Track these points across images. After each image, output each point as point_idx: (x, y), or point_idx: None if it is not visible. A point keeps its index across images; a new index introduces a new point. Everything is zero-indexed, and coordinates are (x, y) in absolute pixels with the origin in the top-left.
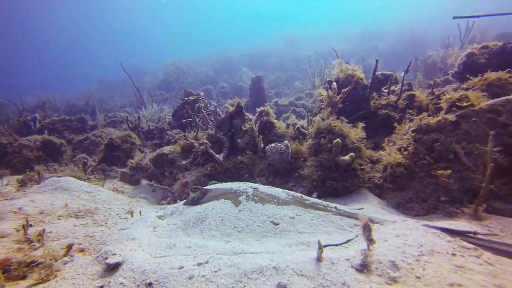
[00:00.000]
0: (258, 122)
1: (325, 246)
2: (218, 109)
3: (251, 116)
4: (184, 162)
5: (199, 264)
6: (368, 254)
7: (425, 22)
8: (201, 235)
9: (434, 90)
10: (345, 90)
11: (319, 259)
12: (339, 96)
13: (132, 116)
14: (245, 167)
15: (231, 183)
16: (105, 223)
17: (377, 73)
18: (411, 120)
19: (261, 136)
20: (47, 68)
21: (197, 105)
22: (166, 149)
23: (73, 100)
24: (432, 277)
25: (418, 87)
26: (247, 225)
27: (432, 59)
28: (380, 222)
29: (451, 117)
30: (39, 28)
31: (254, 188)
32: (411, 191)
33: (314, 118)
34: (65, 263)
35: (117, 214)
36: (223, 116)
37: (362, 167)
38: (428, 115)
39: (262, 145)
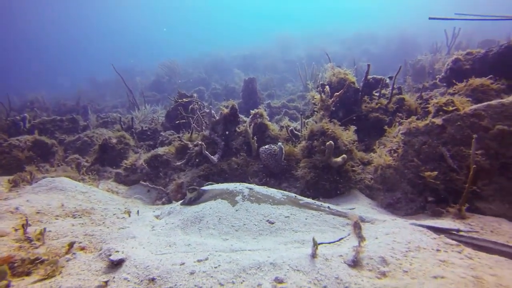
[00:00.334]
0: (252, 124)
1: (319, 244)
2: (213, 111)
3: (245, 118)
4: (178, 163)
5: (199, 261)
6: (360, 250)
7: (415, 26)
8: (199, 233)
9: (423, 94)
10: (337, 93)
11: (313, 255)
12: (332, 99)
13: (125, 117)
14: (240, 168)
15: (227, 183)
16: (103, 222)
17: (369, 77)
18: (400, 123)
19: (255, 138)
20: (35, 67)
21: (190, 106)
22: (161, 150)
23: (62, 100)
24: (418, 270)
25: (407, 90)
26: (244, 224)
27: (421, 64)
28: (371, 221)
29: (438, 120)
30: (28, 28)
31: (250, 189)
32: (400, 192)
33: (307, 120)
34: (67, 260)
35: (114, 214)
36: (217, 118)
37: (354, 168)
38: (417, 119)
39: (256, 147)
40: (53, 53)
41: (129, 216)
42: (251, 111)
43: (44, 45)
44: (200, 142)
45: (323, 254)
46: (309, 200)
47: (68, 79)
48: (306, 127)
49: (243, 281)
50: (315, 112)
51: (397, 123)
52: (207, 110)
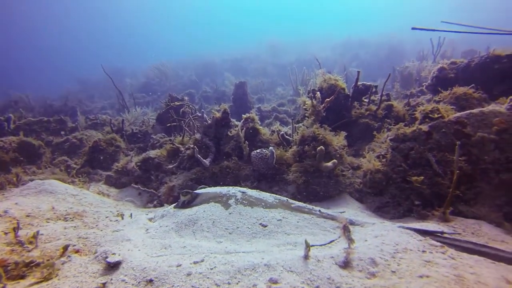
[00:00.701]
0: (244, 128)
1: (311, 246)
2: (205, 115)
3: (236, 122)
4: (170, 166)
5: (195, 262)
6: (350, 252)
7: (404, 33)
8: (193, 236)
9: (410, 100)
10: (328, 99)
11: (306, 257)
12: (323, 105)
13: (115, 119)
14: (231, 172)
15: (220, 187)
16: (96, 225)
17: (358, 83)
18: (389, 129)
19: (246, 142)
20: (20, 65)
21: (182, 109)
22: (152, 153)
23: (49, 100)
24: (405, 270)
25: (395, 97)
26: (237, 227)
27: (408, 71)
28: (360, 224)
29: (425, 127)
30: (13, 26)
31: (243, 192)
32: (388, 196)
33: (298, 125)
34: (63, 263)
35: (106, 217)
36: (209, 121)
37: (344, 173)
38: (405, 125)
39: (247, 151)
40: (39, 52)
41: (122, 219)
42: (243, 115)
43: (30, 43)
44: (192, 146)
45: (315, 256)
46: (301, 203)
47: (55, 78)
48: (297, 132)
49: (239, 281)
50: (306, 117)
51: (385, 129)
52: (199, 114)
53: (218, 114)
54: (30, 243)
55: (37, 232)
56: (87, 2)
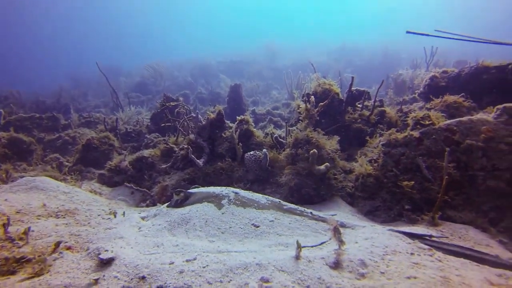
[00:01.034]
0: (238, 130)
1: (302, 247)
2: (199, 116)
3: (230, 124)
4: (164, 166)
5: (188, 261)
6: (340, 253)
7: (398, 41)
8: (186, 235)
9: (403, 107)
10: (322, 103)
11: (297, 257)
12: (317, 109)
13: (109, 117)
14: (224, 173)
15: (213, 187)
16: (88, 223)
17: (352, 88)
18: (381, 135)
19: (240, 144)
20: (12, 61)
21: (176, 110)
22: (146, 153)
23: (41, 97)
24: (394, 272)
25: (389, 103)
26: (230, 227)
27: (402, 78)
28: (351, 227)
29: (416, 133)
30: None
31: (236, 193)
32: (380, 200)
33: (292, 128)
34: (54, 260)
35: (98, 215)
36: (204, 122)
37: (336, 176)
38: (397, 131)
39: (241, 153)
40: (31, 48)
41: (115, 217)
42: (237, 117)
43: (22, 39)
44: (186, 146)
45: (306, 256)
46: (293, 205)
47: (47, 75)
48: (291, 135)
49: (231, 280)
50: (300, 121)
51: (378, 134)
52: (194, 115)
53: (212, 115)
54: (21, 239)
55: (28, 228)
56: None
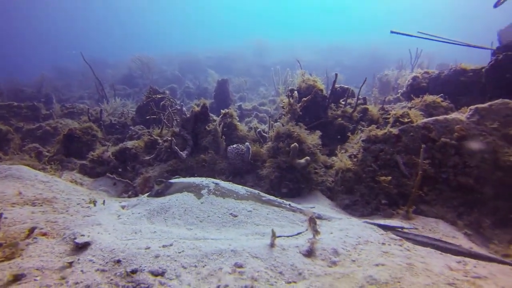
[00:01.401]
0: (222, 124)
1: (278, 236)
2: (184, 108)
3: (215, 117)
4: (147, 158)
5: (164, 246)
6: (314, 241)
7: (386, 42)
8: (165, 223)
9: (386, 106)
10: (305, 99)
11: (272, 245)
12: (299, 104)
13: (93, 109)
14: (207, 165)
15: (194, 178)
16: (66, 211)
17: (337, 85)
18: (362, 131)
19: (223, 137)
20: None
21: (162, 103)
22: (130, 144)
23: (21, 86)
24: (364, 260)
25: (373, 102)
26: (208, 216)
27: (387, 78)
28: (328, 219)
29: (395, 130)
30: None
31: (216, 183)
32: (358, 194)
33: (276, 123)
34: (27, 245)
35: (78, 204)
36: (188, 115)
37: (317, 171)
38: (377, 128)
39: (224, 146)
40: (10, 34)
41: (95, 205)
42: (221, 110)
43: (4, 25)
44: (169, 138)
45: (280, 245)
46: (272, 197)
47: (29, 63)
48: (273, 129)
49: (205, 265)
50: (283, 116)
51: (359, 131)
52: (178, 107)
53: (197, 108)
54: None
55: (0, 214)
56: None
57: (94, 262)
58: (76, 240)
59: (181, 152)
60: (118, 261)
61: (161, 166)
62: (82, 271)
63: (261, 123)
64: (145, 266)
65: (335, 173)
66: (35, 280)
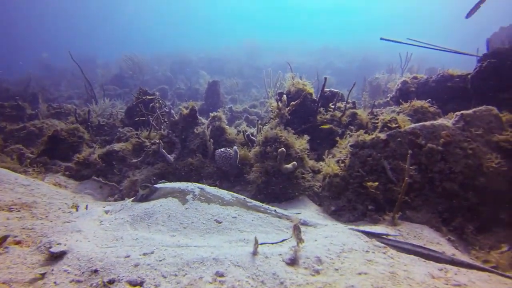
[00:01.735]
0: (210, 127)
1: (262, 244)
2: (172, 111)
3: (204, 120)
4: (134, 161)
5: (145, 254)
6: (298, 250)
7: (377, 45)
8: (148, 229)
9: (375, 110)
10: (293, 103)
11: (254, 253)
12: (288, 108)
13: (81, 109)
14: (195, 169)
15: (179, 182)
16: (46, 216)
17: (326, 89)
18: (351, 136)
19: (211, 140)
20: None
21: (151, 104)
22: (117, 146)
23: (6, 84)
24: (347, 268)
25: (363, 105)
26: (192, 222)
27: (377, 82)
28: (313, 225)
29: (383, 135)
30: None
31: (201, 189)
32: (345, 200)
33: (265, 127)
34: None
35: (59, 209)
36: (177, 118)
37: (304, 175)
38: (366, 132)
39: (212, 149)
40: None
41: (77, 210)
42: (210, 113)
43: None
44: (157, 141)
45: (263, 253)
46: (257, 203)
47: (14, 61)
48: (261, 133)
49: (186, 274)
50: (272, 119)
51: (348, 135)
52: (167, 110)
53: (185, 111)
54: None
55: None
56: None
57: (69, 273)
58: (51, 249)
59: (168, 156)
60: (95, 271)
61: (148, 169)
62: (55, 282)
63: (251, 126)
64: (123, 276)
65: (323, 178)
66: None
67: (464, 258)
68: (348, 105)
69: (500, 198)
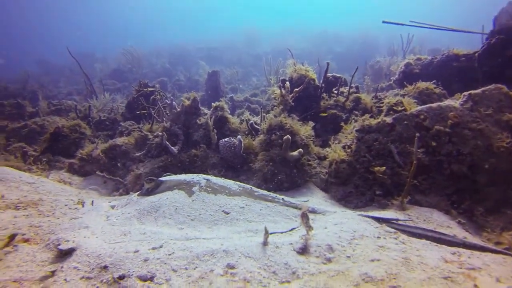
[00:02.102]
0: (213, 117)
1: (271, 233)
2: (174, 102)
3: (206, 111)
4: (138, 154)
5: (153, 248)
6: (308, 238)
7: (377, 28)
8: (155, 223)
9: (378, 94)
10: (297, 89)
11: (265, 243)
12: (291, 94)
13: (82, 105)
14: (199, 160)
15: (185, 174)
16: (53, 213)
17: (329, 74)
18: (356, 121)
19: (215, 131)
20: None
21: (152, 97)
22: (120, 141)
23: (3, 82)
24: (359, 255)
25: (366, 90)
26: (200, 214)
27: (379, 65)
28: (322, 213)
29: (389, 119)
30: None
31: (207, 180)
32: (352, 186)
33: (268, 115)
34: (6, 254)
35: (65, 205)
36: (178, 109)
37: (310, 162)
38: (371, 117)
39: (216, 139)
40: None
41: (83, 206)
42: (212, 104)
43: None
44: (160, 133)
45: (274, 242)
46: (265, 192)
47: (10, 59)
48: (265, 121)
49: (196, 267)
50: (275, 107)
51: (353, 120)
52: (168, 101)
53: (187, 102)
54: None
55: None
56: None
57: (79, 269)
58: (60, 247)
59: (172, 148)
60: (105, 267)
61: (152, 162)
62: (65, 280)
63: (253, 115)
64: (133, 271)
65: (329, 165)
66: None
67: (476, 240)
68: (351, 90)
69: (511, 178)
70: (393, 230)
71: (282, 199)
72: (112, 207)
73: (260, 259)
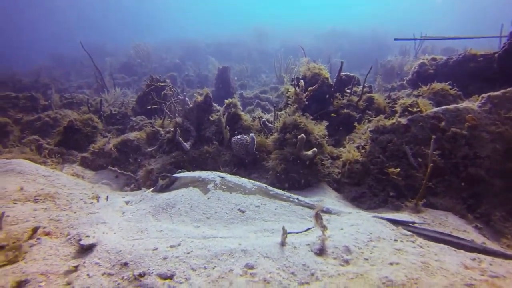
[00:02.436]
0: (226, 114)
1: (288, 233)
2: (186, 98)
3: (218, 107)
4: (149, 149)
5: (172, 246)
6: (325, 239)
7: (387, 26)
8: (171, 220)
9: (391, 94)
10: (311, 88)
11: (283, 243)
12: (306, 93)
13: (93, 99)
14: (211, 157)
15: (199, 172)
16: (69, 207)
17: (341, 73)
18: (370, 121)
19: (227, 128)
20: None
21: (163, 92)
22: (132, 135)
23: (17, 75)
24: (377, 258)
25: (377, 89)
26: (215, 212)
27: (391, 64)
28: (337, 213)
29: (403, 120)
30: None
31: (222, 177)
32: (365, 187)
33: (281, 113)
34: (31, 246)
35: (80, 199)
36: (191, 105)
37: (323, 162)
38: (385, 117)
39: (228, 136)
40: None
41: (98, 201)
42: (225, 100)
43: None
44: (172, 129)
45: (291, 243)
46: (279, 191)
47: (24, 52)
48: (279, 120)
49: (215, 266)
50: (289, 105)
51: (366, 121)
52: (181, 97)
53: (200, 98)
54: None
55: (2, 213)
56: None
57: (100, 265)
58: (82, 242)
59: (184, 143)
60: (125, 264)
61: (163, 158)
62: (88, 275)
63: (263, 112)
64: (153, 269)
65: (342, 165)
66: (39, 286)
67: (495, 246)
68: (364, 89)
69: None
70: (409, 233)
71: (297, 198)
72: (127, 202)
73: (278, 259)
